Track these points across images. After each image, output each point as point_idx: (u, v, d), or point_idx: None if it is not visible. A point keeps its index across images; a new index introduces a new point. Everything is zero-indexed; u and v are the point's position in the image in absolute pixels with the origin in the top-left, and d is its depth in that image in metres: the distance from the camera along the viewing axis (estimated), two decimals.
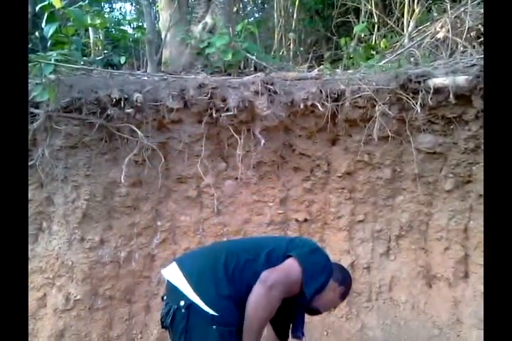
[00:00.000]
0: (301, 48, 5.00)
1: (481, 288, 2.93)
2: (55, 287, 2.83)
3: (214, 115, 2.74)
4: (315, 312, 1.89)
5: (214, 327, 1.60)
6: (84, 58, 3.35)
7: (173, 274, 1.73)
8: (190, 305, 1.61)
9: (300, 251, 1.72)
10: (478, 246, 2.94)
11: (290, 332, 1.87)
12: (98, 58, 3.55)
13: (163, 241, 2.92)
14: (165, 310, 1.70)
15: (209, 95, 2.71)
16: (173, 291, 1.70)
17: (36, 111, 2.60)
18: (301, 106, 2.81)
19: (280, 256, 1.71)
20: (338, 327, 2.96)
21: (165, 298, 1.78)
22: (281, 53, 4.44)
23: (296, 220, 3.12)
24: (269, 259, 1.70)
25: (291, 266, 1.65)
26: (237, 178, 2.96)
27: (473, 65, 2.68)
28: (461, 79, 2.57)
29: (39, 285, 2.84)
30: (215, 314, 1.59)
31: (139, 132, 2.63)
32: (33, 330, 2.80)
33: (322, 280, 1.69)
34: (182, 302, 1.62)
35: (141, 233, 2.86)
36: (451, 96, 2.61)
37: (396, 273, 3.09)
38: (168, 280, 1.76)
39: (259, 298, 1.57)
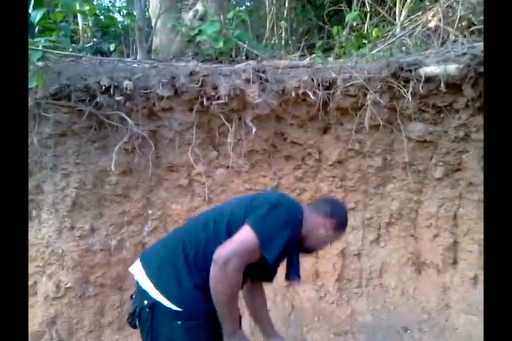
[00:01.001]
0: (293, 37, 4.97)
1: (470, 274, 2.98)
2: (45, 275, 2.83)
3: (205, 103, 2.72)
4: (311, 251, 1.77)
5: (179, 322, 1.52)
6: (73, 45, 3.30)
7: (137, 271, 1.65)
8: (153, 304, 1.53)
9: (255, 215, 1.55)
10: (467, 233, 2.99)
11: (285, 275, 1.71)
12: (87, 45, 3.50)
13: (154, 229, 2.92)
14: (131, 310, 1.63)
15: (200, 83, 2.69)
16: (137, 290, 1.63)
17: None
18: (293, 94, 2.80)
19: (239, 225, 1.55)
20: (329, 313, 2.99)
21: (133, 296, 1.69)
22: (272, 42, 4.41)
23: None
24: (229, 231, 1.55)
25: (243, 235, 1.49)
26: (228, 167, 2.95)
27: (464, 54, 2.69)
28: (452, 68, 2.58)
29: (30, 273, 2.83)
30: (179, 309, 1.52)
31: (129, 120, 2.61)
32: None
33: (284, 239, 1.51)
34: (145, 302, 1.55)
35: (131, 221, 2.85)
36: (442, 84, 2.62)
37: (386, 260, 3.13)
38: (136, 278, 1.67)
39: (216, 280, 1.46)
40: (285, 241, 1.51)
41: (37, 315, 2.79)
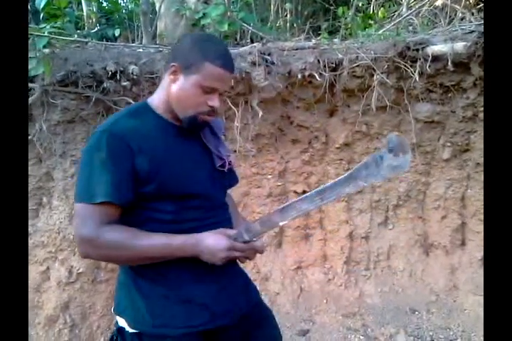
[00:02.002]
0: (298, 20, 4.91)
1: (478, 255, 2.99)
2: (57, 261, 2.87)
3: None
4: (193, 121, 1.28)
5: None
6: (78, 31, 3.29)
7: None
8: (118, 330, 1.31)
9: None
10: (475, 214, 2.98)
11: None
12: (92, 31, 3.49)
13: None
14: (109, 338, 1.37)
15: None
16: None
17: (32, 85, 2.57)
18: (299, 76, 2.78)
19: None
20: (337, 295, 3.02)
21: None
22: (277, 24, 4.36)
23: (295, 192, 3.14)
24: None
25: (77, 210, 1.19)
26: (235, 151, 2.96)
27: (472, 32, 2.65)
28: (460, 46, 2.54)
29: (42, 259, 2.88)
30: (134, 331, 1.27)
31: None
32: (38, 303, 2.85)
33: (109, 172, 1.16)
34: (114, 328, 1.35)
35: None
36: (449, 63, 2.58)
37: (394, 242, 3.14)
38: None
39: (93, 258, 1.28)
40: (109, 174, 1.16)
41: (50, 300, 2.85)
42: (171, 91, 1.25)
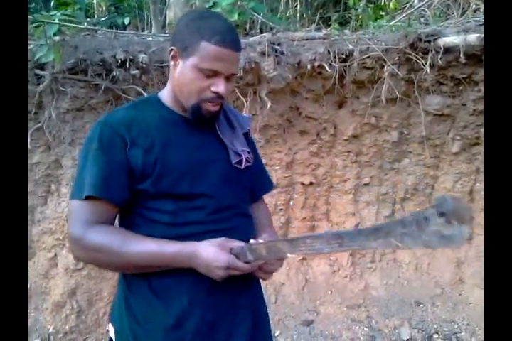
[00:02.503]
0: (308, 11, 4.87)
1: None
2: (65, 247, 2.90)
3: None
4: (196, 109, 1.14)
5: None
6: (88, 19, 3.29)
7: None
8: None
9: None
10: (484, 208, 2.96)
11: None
12: (102, 19, 3.49)
13: None
14: None
15: None
16: None
17: (42, 72, 2.58)
18: (309, 67, 2.76)
19: None
20: (342, 287, 3.03)
21: None
22: (287, 15, 4.33)
23: (302, 183, 3.14)
24: None
25: (69, 208, 1.10)
26: None
27: None
28: (473, 38, 2.51)
29: (50, 246, 2.91)
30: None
31: (145, 94, 2.61)
32: (45, 289, 2.89)
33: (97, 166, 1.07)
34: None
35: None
36: (461, 55, 2.55)
37: None
38: None
39: (83, 261, 1.18)
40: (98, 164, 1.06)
41: (58, 286, 2.88)
42: (174, 79, 1.13)
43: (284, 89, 2.87)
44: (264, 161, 3.02)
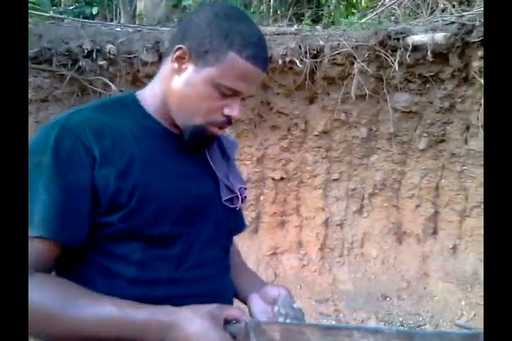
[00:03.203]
0: (282, 7, 4.87)
1: (449, 243, 3.06)
2: None
3: None
4: (198, 132, 0.89)
5: None
6: (54, 8, 3.19)
7: None
8: None
9: None
10: (448, 203, 3.04)
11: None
12: (69, 8, 3.39)
13: None
14: None
15: None
16: None
17: None
18: (280, 62, 2.76)
19: None
20: (311, 281, 3.06)
21: None
22: (260, 10, 4.32)
23: (273, 179, 3.15)
24: None
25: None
26: None
27: (453, 23, 2.67)
28: (440, 36, 2.56)
29: None
30: None
31: (112, 86, 2.56)
32: None
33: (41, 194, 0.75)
34: None
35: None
36: (428, 53, 2.60)
37: (368, 230, 3.18)
38: None
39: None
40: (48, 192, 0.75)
41: None
42: (172, 86, 0.86)
43: None
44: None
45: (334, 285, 3.06)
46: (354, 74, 2.80)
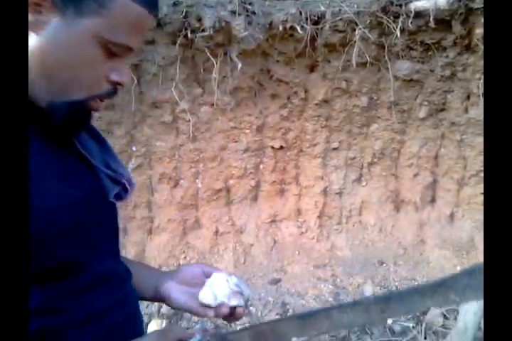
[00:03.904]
0: None
1: (447, 211, 3.11)
2: None
3: (189, 36, 2.63)
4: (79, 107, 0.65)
5: None
6: None
7: None
8: None
9: None
10: (447, 172, 3.07)
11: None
12: None
13: (139, 166, 2.93)
14: None
15: (184, 14, 2.59)
16: None
17: None
18: (280, 28, 2.71)
19: None
20: (309, 248, 3.12)
21: None
22: None
23: (272, 147, 3.16)
24: None
25: None
26: (213, 104, 2.92)
27: None
28: (442, 2, 2.51)
29: None
30: None
31: None
32: None
33: None
34: None
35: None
36: (431, 20, 2.56)
37: (366, 198, 3.22)
38: None
39: None
40: None
41: None
42: (31, 49, 0.59)
43: (255, 51, 2.83)
44: (234, 124, 3.04)
45: (332, 252, 3.12)
46: (355, 41, 2.76)
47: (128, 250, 2.92)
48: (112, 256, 0.77)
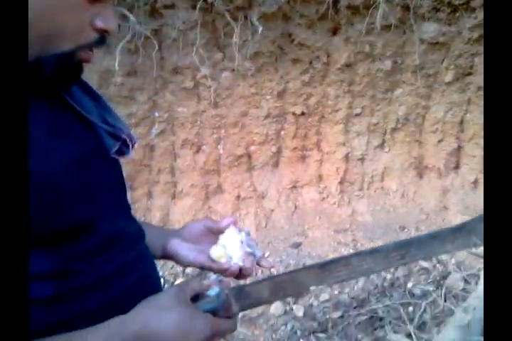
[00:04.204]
0: None
1: (471, 178, 3.06)
2: None
3: (209, 0, 2.61)
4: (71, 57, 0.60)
5: None
6: None
7: None
8: None
9: None
10: (472, 138, 3.01)
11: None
12: None
13: (162, 132, 2.98)
14: None
15: None
16: None
17: None
18: None
19: None
20: (330, 213, 3.15)
21: None
22: None
23: (293, 113, 3.14)
24: None
25: None
26: (233, 70, 2.92)
27: None
28: None
29: None
30: None
31: (131, 17, 2.53)
32: None
33: None
34: None
35: (139, 123, 2.90)
36: None
37: (389, 165, 3.20)
38: None
39: None
40: None
41: None
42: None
43: (276, 14, 2.78)
44: (255, 90, 3.03)
45: (353, 217, 3.15)
46: (379, 3, 2.68)
47: (153, 214, 3.02)
48: (122, 214, 0.75)
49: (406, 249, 0.70)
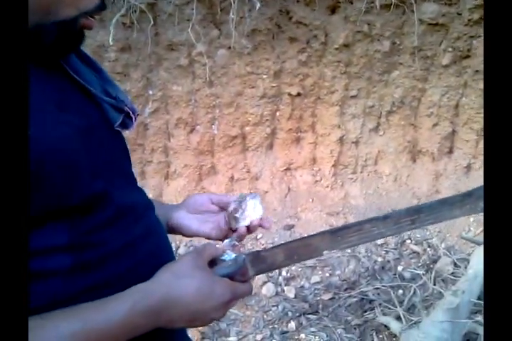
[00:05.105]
0: None
1: (464, 163, 3.07)
2: None
3: None
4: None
5: None
6: None
7: None
8: None
9: None
10: (467, 122, 3.01)
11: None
12: None
13: (156, 110, 2.92)
14: None
15: None
16: None
17: None
18: None
19: None
20: (323, 196, 3.14)
21: None
22: None
23: (289, 94, 3.10)
24: None
25: None
26: (230, 47, 2.85)
27: None
28: None
29: None
30: None
31: None
32: None
33: None
34: None
35: (133, 101, 2.83)
36: None
37: (383, 148, 3.19)
38: None
39: None
40: None
41: None
42: None
43: None
44: (251, 69, 2.97)
45: (345, 200, 3.15)
46: None
47: None
48: (131, 185, 0.76)
49: (416, 215, 0.74)
